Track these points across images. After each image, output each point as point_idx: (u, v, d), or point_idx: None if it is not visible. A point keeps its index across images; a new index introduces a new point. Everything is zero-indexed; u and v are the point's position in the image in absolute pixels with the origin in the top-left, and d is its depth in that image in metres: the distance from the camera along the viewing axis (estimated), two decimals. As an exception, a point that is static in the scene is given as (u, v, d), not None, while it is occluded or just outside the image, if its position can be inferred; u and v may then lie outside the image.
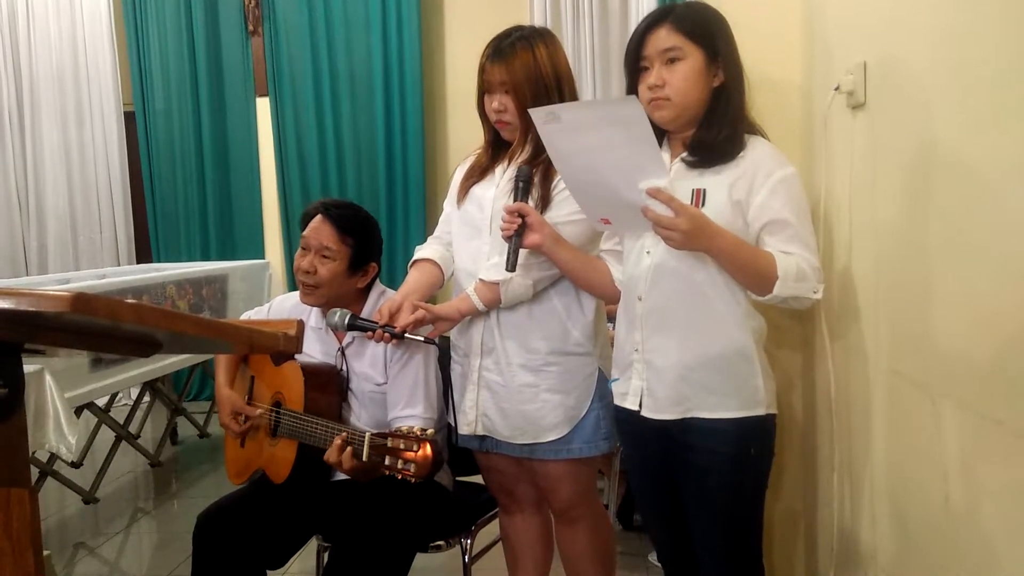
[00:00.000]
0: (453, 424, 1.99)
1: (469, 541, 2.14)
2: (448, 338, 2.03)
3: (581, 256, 1.81)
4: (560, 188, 1.81)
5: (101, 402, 4.04)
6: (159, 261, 5.42)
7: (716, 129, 1.60)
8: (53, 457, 3.30)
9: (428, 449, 1.66)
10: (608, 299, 1.86)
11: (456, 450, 2.06)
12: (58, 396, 2.78)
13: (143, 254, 5.68)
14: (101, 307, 0.86)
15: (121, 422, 4.17)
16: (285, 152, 5.38)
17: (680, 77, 1.58)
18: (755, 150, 1.60)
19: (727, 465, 1.61)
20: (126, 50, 5.47)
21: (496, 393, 1.90)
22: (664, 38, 1.59)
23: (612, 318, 1.82)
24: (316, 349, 2.11)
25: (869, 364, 1.67)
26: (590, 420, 1.89)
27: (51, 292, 0.84)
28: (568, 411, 1.87)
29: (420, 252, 2.02)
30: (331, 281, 2.01)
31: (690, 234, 1.47)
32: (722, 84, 1.61)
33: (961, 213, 1.27)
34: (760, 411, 1.62)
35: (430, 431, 1.69)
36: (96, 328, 0.96)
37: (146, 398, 4.71)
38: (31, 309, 0.83)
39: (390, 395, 2.01)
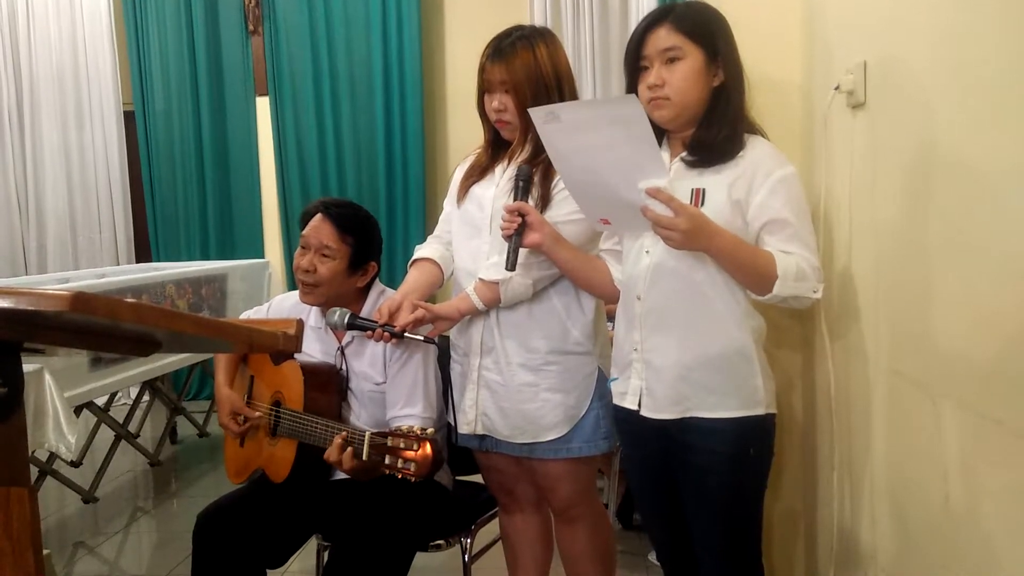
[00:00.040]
0: (453, 423, 1.99)
1: (469, 540, 2.14)
2: (448, 337, 2.03)
3: (581, 256, 1.81)
4: (560, 187, 1.81)
5: (100, 401, 4.04)
6: (159, 261, 5.42)
7: (716, 129, 1.60)
8: (53, 456, 3.29)
9: (428, 448, 1.66)
10: (608, 299, 1.86)
11: (456, 449, 2.06)
12: (57, 395, 2.78)
13: (143, 254, 5.68)
14: (100, 306, 0.86)
15: (121, 421, 4.17)
16: (285, 152, 5.37)
17: (680, 77, 1.58)
18: (755, 150, 1.60)
19: (726, 465, 1.61)
20: (126, 50, 5.47)
21: (496, 392, 1.90)
22: (664, 38, 1.59)
23: (612, 317, 1.82)
24: (316, 348, 2.11)
25: (869, 364, 1.67)
26: (590, 419, 1.89)
27: (50, 291, 0.84)
28: (568, 410, 1.87)
29: (420, 251, 2.02)
30: (331, 280, 2.01)
31: (689, 234, 1.47)
32: (722, 84, 1.60)
33: (961, 213, 1.27)
34: (760, 411, 1.62)
35: (430, 430, 1.69)
36: (95, 327, 0.96)
37: (145, 397, 4.72)
38: (30, 308, 0.83)
39: (389, 394, 2.01)
